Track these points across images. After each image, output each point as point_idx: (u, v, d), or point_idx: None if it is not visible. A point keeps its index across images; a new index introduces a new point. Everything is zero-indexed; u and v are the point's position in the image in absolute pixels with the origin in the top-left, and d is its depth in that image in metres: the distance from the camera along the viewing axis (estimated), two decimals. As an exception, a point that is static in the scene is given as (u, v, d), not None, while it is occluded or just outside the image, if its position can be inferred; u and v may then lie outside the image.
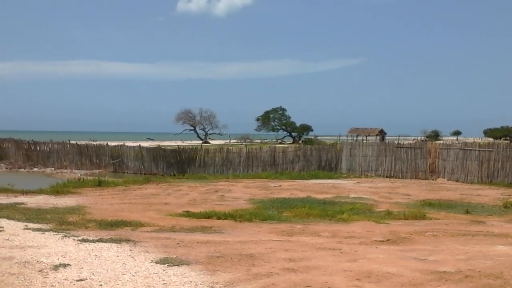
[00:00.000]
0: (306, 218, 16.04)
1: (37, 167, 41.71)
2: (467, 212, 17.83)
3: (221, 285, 7.44)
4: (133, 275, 7.98)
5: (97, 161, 40.88)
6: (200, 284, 7.52)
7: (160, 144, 60.92)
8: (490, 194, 23.70)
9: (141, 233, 12.53)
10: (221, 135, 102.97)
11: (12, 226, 12.94)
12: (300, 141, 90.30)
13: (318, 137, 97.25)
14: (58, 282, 7.57)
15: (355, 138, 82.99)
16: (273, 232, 12.98)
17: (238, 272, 8.13)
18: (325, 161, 37.19)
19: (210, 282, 7.59)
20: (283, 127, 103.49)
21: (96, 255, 9.33)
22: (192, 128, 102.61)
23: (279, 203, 19.16)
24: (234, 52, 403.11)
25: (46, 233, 11.86)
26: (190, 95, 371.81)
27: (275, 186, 25.99)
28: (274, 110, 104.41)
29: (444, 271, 8.14)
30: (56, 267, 8.38)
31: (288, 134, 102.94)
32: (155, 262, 8.82)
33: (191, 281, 7.64)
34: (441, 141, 46.03)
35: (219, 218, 15.42)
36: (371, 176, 34.36)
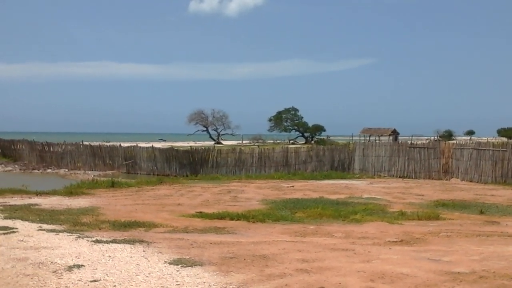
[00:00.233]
0: (319, 218, 16.01)
1: (50, 168, 41.95)
2: (481, 212, 17.71)
3: (234, 286, 7.44)
4: (147, 276, 8.00)
5: (110, 162, 41.04)
6: (213, 285, 7.52)
7: (173, 145, 61.03)
8: (505, 194, 23.52)
9: (154, 234, 12.56)
10: (234, 135, 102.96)
11: (26, 227, 13.02)
12: (312, 142, 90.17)
13: (331, 138, 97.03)
14: (72, 283, 7.60)
15: (367, 138, 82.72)
16: (286, 233, 12.96)
17: (251, 273, 8.13)
18: (337, 161, 37.12)
19: (224, 283, 7.60)
20: (296, 127, 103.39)
21: (110, 256, 9.37)
22: (205, 128, 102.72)
23: (292, 203, 19.13)
24: (246, 53, 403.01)
25: (60, 234, 11.93)
26: (203, 96, 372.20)
27: (287, 187, 25.96)
28: (287, 111, 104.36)
29: (458, 272, 8.10)
30: (70, 268, 8.42)
31: (301, 134, 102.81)
32: (168, 263, 8.84)
33: (204, 282, 7.65)
34: (455, 141, 45.72)
35: (232, 219, 15.41)
36: (384, 176, 34.24)
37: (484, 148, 31.69)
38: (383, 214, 17.08)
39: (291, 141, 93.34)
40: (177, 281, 7.72)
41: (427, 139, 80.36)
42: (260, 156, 37.47)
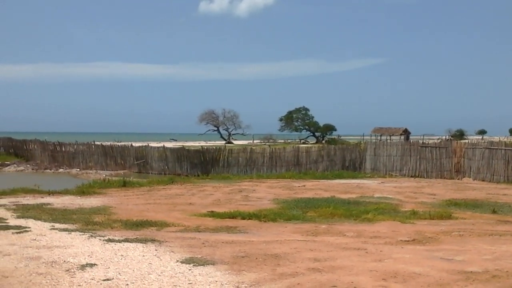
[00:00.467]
0: (330, 218, 15.98)
1: (62, 168, 42.08)
2: (494, 211, 17.61)
3: (246, 285, 7.45)
4: (159, 275, 8.03)
5: (122, 161, 41.11)
6: (225, 284, 7.53)
7: (184, 144, 61.13)
8: (517, 194, 23.38)
9: (166, 233, 12.60)
10: (244, 135, 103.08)
11: (39, 226, 13.11)
12: (323, 141, 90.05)
13: (342, 137, 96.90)
14: (85, 282, 7.64)
15: (379, 137, 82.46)
16: (297, 232, 12.96)
17: (263, 272, 8.13)
18: (349, 161, 37.02)
19: (236, 282, 7.61)
20: (306, 127, 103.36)
21: (122, 255, 9.40)
22: (216, 128, 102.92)
23: (303, 203, 19.11)
24: (256, 52, 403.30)
25: (73, 233, 12.00)
26: (213, 96, 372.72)
27: (299, 186, 25.94)
28: (297, 110, 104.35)
29: (471, 271, 8.06)
30: (83, 267, 8.46)
31: (312, 134, 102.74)
32: (180, 262, 8.87)
33: (216, 281, 7.66)
34: (466, 140, 45.51)
35: (243, 218, 15.42)
36: (396, 175, 34.13)
37: (496, 147, 31.47)
38: (395, 213, 17.03)
39: (302, 141, 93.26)
40: (189, 280, 7.74)
41: (438, 139, 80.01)
42: (271, 156, 37.42)
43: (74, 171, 40.58)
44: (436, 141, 50.20)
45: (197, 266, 8.55)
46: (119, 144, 46.26)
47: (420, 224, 14.47)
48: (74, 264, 8.69)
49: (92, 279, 7.77)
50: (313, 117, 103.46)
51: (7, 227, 12.59)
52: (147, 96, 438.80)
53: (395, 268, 8.28)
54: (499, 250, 10.14)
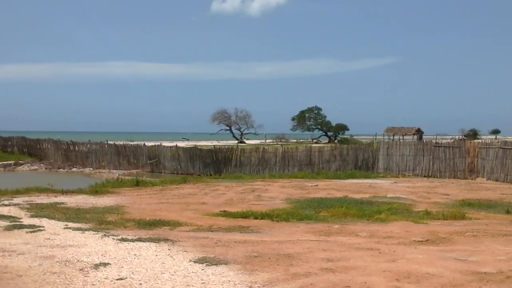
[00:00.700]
0: (343, 218, 15.94)
1: (76, 167, 42.29)
2: (508, 212, 17.49)
3: (259, 285, 7.45)
4: (172, 274, 8.05)
5: (135, 161, 41.25)
6: (238, 283, 7.54)
7: (196, 144, 61.23)
8: (531, 194, 23.23)
9: (179, 232, 12.63)
10: (257, 134, 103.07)
11: (52, 225, 13.18)
12: (336, 141, 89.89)
13: (354, 137, 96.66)
14: (99, 281, 7.68)
15: (391, 137, 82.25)
16: (310, 232, 12.94)
17: (276, 272, 8.13)
18: (361, 160, 36.92)
19: (249, 281, 7.61)
20: (319, 126, 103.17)
21: (135, 254, 9.44)
22: (228, 128, 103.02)
23: (316, 202, 19.08)
24: (268, 52, 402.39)
25: (86, 232, 12.06)
26: (225, 95, 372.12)
27: (311, 186, 25.91)
28: (310, 110, 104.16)
29: (485, 272, 8.03)
30: (96, 266, 8.51)
31: (324, 133, 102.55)
32: (193, 261, 8.89)
33: (229, 281, 7.67)
34: (480, 140, 45.26)
35: (256, 218, 15.42)
36: (409, 175, 34.00)
37: (510, 147, 31.23)
38: (408, 213, 16.97)
39: (314, 140, 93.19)
40: (202, 280, 7.75)
41: (451, 138, 79.62)
42: (284, 155, 37.40)
43: (87, 170, 40.77)
44: (449, 140, 49.99)
45: (210, 265, 8.57)
46: (132, 143, 46.46)
47: (434, 224, 14.42)
48: (87, 263, 8.73)
49: (106, 278, 7.81)
50: (325, 116, 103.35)
51: (21, 226, 12.68)
52: (159, 96, 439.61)
53: (409, 268, 8.26)
54: (514, 250, 10.08)
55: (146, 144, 43.41)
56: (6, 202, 18.05)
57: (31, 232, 11.95)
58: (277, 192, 23.55)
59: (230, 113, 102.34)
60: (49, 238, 11.19)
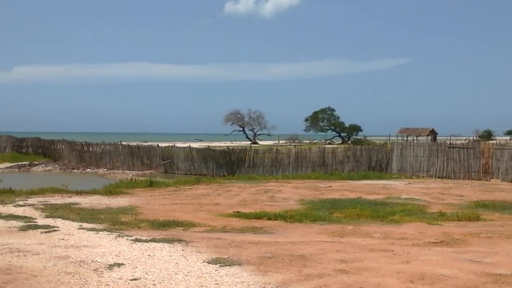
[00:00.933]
0: (357, 219, 15.90)
1: (89, 168, 42.48)
2: (523, 213, 17.40)
3: (273, 286, 7.45)
4: (186, 275, 8.07)
5: (148, 162, 41.35)
6: (252, 284, 7.55)
7: (210, 145, 61.28)
8: (547, 195, 23.04)
9: (192, 233, 12.65)
10: (270, 135, 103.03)
11: (67, 226, 13.26)
12: (349, 142, 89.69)
13: (368, 138, 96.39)
14: (113, 281, 7.71)
15: (405, 138, 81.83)
16: (324, 233, 12.92)
17: (289, 273, 8.12)
18: (375, 161, 36.79)
19: (262, 282, 7.61)
20: (332, 127, 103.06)
21: (149, 255, 9.47)
22: (241, 128, 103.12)
23: (329, 203, 19.04)
24: (282, 53, 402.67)
25: (100, 233, 12.11)
26: (239, 96, 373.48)
27: (325, 187, 25.86)
28: (323, 111, 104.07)
29: (500, 274, 7.97)
30: (110, 267, 8.54)
31: (337, 134, 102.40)
32: (207, 262, 8.90)
33: (243, 281, 7.67)
34: (494, 141, 44.99)
35: (269, 219, 15.41)
36: (423, 176, 33.82)
37: (525, 148, 31.08)
38: (422, 214, 16.89)
39: (328, 141, 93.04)
40: (216, 280, 7.76)
41: (466, 139, 79.10)
42: (297, 156, 37.34)
43: (101, 171, 40.94)
44: (463, 141, 49.68)
45: (223, 266, 8.58)
46: (146, 144, 46.54)
47: (448, 226, 14.35)
48: (102, 263, 8.77)
49: (120, 279, 7.84)
50: (338, 117, 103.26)
51: (36, 227, 12.76)
52: (173, 96, 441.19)
53: (423, 270, 8.22)
54: (529, 252, 10.01)
55: (160, 145, 43.50)
56: (21, 203, 18.16)
57: (45, 232, 12.02)
58: (291, 193, 23.53)
59: (243, 114, 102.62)
60: (63, 239, 11.25)
